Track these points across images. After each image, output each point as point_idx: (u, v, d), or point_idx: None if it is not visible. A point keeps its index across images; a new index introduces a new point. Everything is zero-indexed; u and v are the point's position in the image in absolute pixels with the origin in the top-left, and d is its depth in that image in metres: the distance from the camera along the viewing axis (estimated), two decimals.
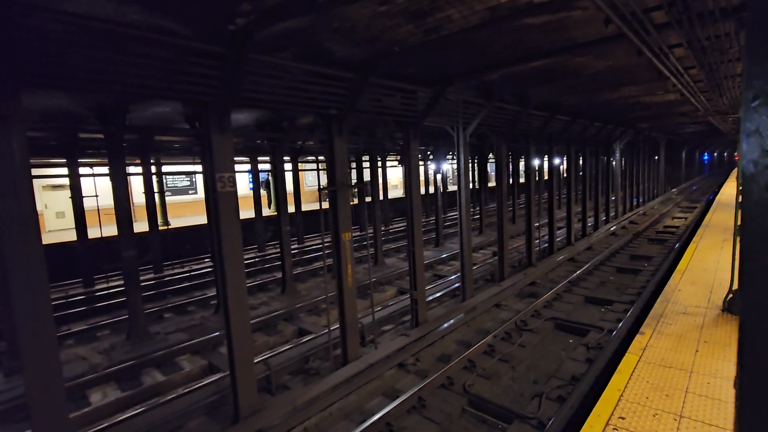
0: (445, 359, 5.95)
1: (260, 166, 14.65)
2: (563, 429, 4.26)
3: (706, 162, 54.60)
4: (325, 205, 5.75)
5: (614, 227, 15.47)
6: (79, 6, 3.01)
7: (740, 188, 4.73)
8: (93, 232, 10.69)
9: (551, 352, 6.19)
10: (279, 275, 10.47)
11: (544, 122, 10.17)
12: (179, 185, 20.30)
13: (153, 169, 12.60)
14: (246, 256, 12.74)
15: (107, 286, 10.41)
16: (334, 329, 5.85)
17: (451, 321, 7.03)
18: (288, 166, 14.52)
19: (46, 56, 3.08)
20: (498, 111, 8.24)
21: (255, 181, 14.50)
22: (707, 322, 4.63)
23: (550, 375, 5.46)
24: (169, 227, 14.71)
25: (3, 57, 2.88)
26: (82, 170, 10.24)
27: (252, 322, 6.42)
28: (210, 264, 12.74)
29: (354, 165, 14.43)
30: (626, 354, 3.99)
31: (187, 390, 5.52)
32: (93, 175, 10.03)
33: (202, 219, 15.51)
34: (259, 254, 14.12)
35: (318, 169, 6.93)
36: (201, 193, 20.12)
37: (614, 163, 17.25)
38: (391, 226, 18.43)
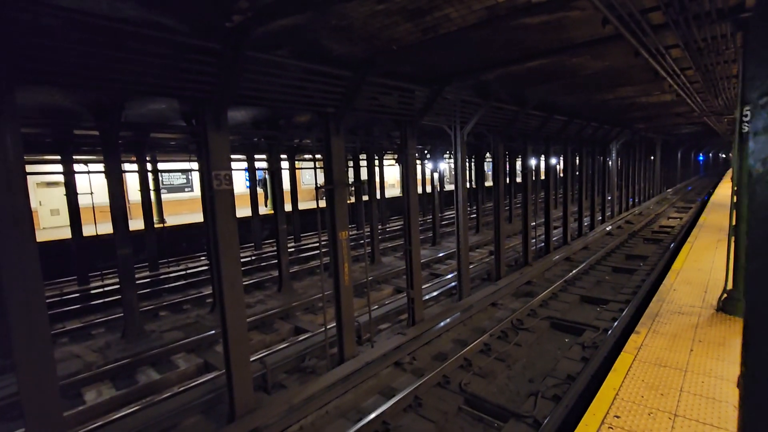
0: (442, 358, 5.96)
1: (257, 165, 14.59)
2: (559, 427, 4.28)
3: (701, 162, 54.94)
4: (322, 203, 5.74)
5: (610, 227, 15.54)
6: (75, 1, 2.98)
7: (735, 189, 4.76)
8: (88, 230, 10.62)
9: (547, 351, 6.21)
10: (275, 273, 10.46)
11: (541, 122, 10.19)
12: (175, 183, 20.21)
13: (149, 166, 12.52)
14: (242, 255, 12.70)
15: (102, 284, 10.35)
16: (331, 328, 5.84)
17: (448, 320, 7.04)
18: (285, 165, 14.49)
19: (41, 52, 3.05)
20: (495, 110, 8.25)
21: (252, 179, 14.45)
22: (702, 321, 4.66)
23: (546, 374, 5.48)
24: (165, 225, 14.64)
25: None
26: (77, 167, 10.17)
27: (248, 320, 6.40)
28: (206, 262, 12.69)
29: (351, 163, 14.41)
30: (621, 353, 4.01)
31: (182, 388, 5.50)
32: (88, 172, 9.96)
33: (198, 217, 15.45)
34: (255, 252, 14.08)
35: (315, 168, 6.92)
36: (197, 190, 20.03)
37: (610, 163, 17.33)
38: (387, 225, 18.43)
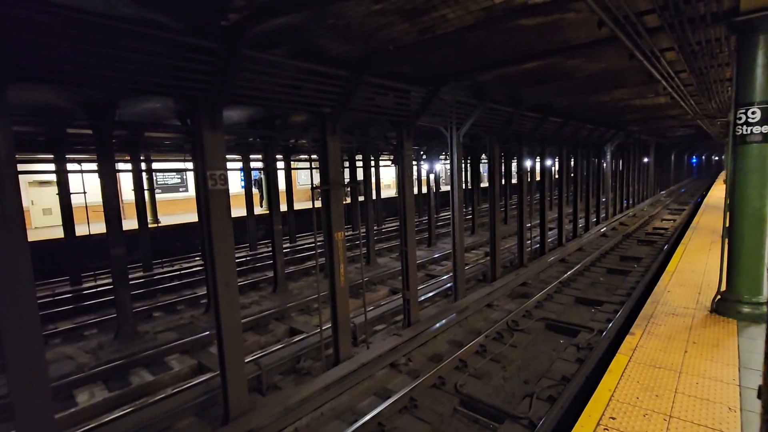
0: (437, 359, 5.95)
1: (252, 164, 14.53)
2: (554, 429, 4.28)
3: (694, 165, 55.45)
4: (318, 204, 5.72)
5: (605, 228, 15.63)
6: None
7: (728, 191, 4.79)
8: (81, 230, 10.51)
9: (542, 352, 6.23)
10: (270, 274, 10.41)
11: (536, 124, 10.23)
12: (170, 182, 20.08)
13: (143, 165, 12.43)
14: (237, 255, 12.62)
15: (95, 284, 10.25)
16: (326, 329, 5.81)
17: (443, 321, 7.03)
18: (281, 165, 14.46)
19: (33, 49, 3.01)
20: (491, 112, 8.27)
21: (247, 179, 14.39)
22: (696, 323, 4.69)
23: (541, 375, 5.49)
24: (159, 225, 14.53)
25: None
26: (70, 166, 10.07)
27: (243, 321, 6.37)
28: (200, 262, 12.61)
29: (347, 164, 14.39)
30: (617, 354, 4.02)
31: (176, 390, 5.46)
32: (81, 171, 9.86)
33: (192, 217, 15.36)
34: (250, 253, 14.01)
35: (311, 168, 6.86)
36: (192, 190, 19.92)
37: (605, 165, 17.44)
38: (383, 226, 18.42)
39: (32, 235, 12.75)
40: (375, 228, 15.76)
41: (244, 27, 3.57)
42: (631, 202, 21.84)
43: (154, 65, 3.59)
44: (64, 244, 10.45)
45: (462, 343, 6.35)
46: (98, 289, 9.97)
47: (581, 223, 15.10)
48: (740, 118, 4.45)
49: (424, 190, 21.29)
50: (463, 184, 18.52)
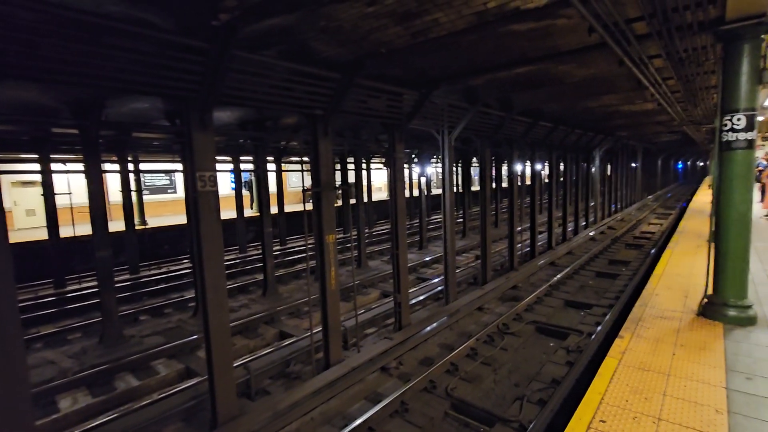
0: (428, 362, 5.93)
1: (243, 166, 14.41)
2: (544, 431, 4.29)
3: (680, 170, 56.50)
4: (309, 206, 5.68)
5: (593, 232, 15.81)
6: None
7: (714, 196, 4.88)
8: (65, 231, 10.30)
9: (532, 355, 6.25)
10: (260, 277, 10.31)
11: (527, 128, 10.32)
12: (158, 184, 19.82)
13: (130, 166, 12.24)
14: (226, 258, 12.50)
15: (79, 287, 10.04)
16: (317, 332, 5.76)
17: (434, 324, 7.02)
18: (271, 167, 14.35)
19: (16, 45, 2.93)
20: (483, 115, 8.32)
21: (237, 181, 14.27)
22: (683, 326, 4.75)
23: (531, 378, 5.51)
24: (147, 227, 14.31)
25: None
26: (54, 166, 9.87)
27: (232, 324, 6.27)
28: (189, 265, 12.44)
29: (338, 166, 14.35)
30: (606, 358, 4.05)
31: (162, 395, 5.35)
32: (66, 171, 9.67)
33: (181, 219, 15.16)
34: (240, 255, 13.87)
35: (302, 170, 6.83)
36: (180, 192, 19.69)
37: (594, 169, 17.66)
38: (374, 229, 18.39)
39: (15, 237, 12.47)
40: (366, 231, 15.73)
41: (235, 27, 3.53)
42: (619, 206, 22.14)
43: (143, 64, 3.53)
44: (47, 246, 10.22)
45: (453, 347, 6.35)
46: (83, 292, 9.77)
47: (570, 226, 15.26)
48: (726, 125, 4.53)
49: (416, 193, 21.34)
50: (454, 188, 18.61)
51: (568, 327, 7.06)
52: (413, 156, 17.97)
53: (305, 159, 12.75)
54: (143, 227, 14.01)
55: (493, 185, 17.75)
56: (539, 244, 12.59)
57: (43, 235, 10.74)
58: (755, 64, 4.37)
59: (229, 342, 4.50)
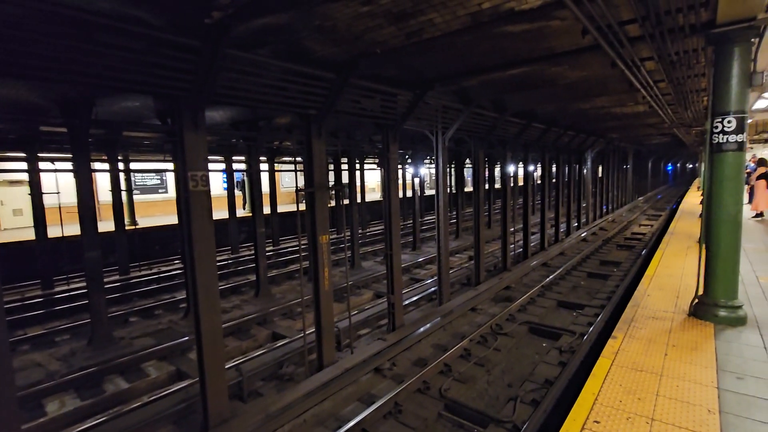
0: (422, 363, 5.92)
1: (235, 166, 14.30)
2: None
3: (670, 172, 57.22)
4: (302, 206, 5.63)
5: (585, 233, 15.93)
6: None
7: (704, 197, 4.92)
8: (54, 231, 10.12)
9: (525, 356, 6.27)
10: (253, 278, 10.22)
11: (520, 129, 10.37)
12: (148, 183, 19.60)
13: (121, 165, 12.08)
14: (218, 258, 12.39)
15: (68, 288, 9.88)
16: (310, 333, 5.72)
17: (428, 325, 7.01)
18: (264, 167, 14.25)
19: (3, 42, 2.87)
20: (476, 117, 8.33)
21: (229, 180, 14.15)
22: (675, 326, 4.79)
23: (525, 378, 5.52)
24: (137, 227, 14.13)
25: None
26: (43, 165, 9.70)
27: (224, 326, 6.21)
28: (180, 265, 12.31)
29: (332, 167, 14.30)
30: (600, 358, 4.06)
31: (152, 398, 5.27)
32: (55, 170, 9.51)
33: (172, 219, 14.99)
34: (232, 256, 13.76)
35: (296, 170, 6.78)
36: (172, 191, 19.49)
37: (585, 171, 17.81)
38: (368, 229, 18.35)
39: (1, 237, 12.25)
40: (359, 231, 15.68)
41: (228, 25, 3.49)
42: (610, 207, 22.35)
43: (133, 62, 3.48)
44: (35, 247, 10.04)
45: (446, 347, 6.34)
46: (71, 293, 9.61)
47: (563, 227, 15.36)
48: (717, 127, 4.58)
49: (409, 193, 21.34)
50: (448, 189, 18.63)
51: (560, 327, 7.10)
52: (407, 157, 17.98)
53: (298, 159, 12.70)
54: (133, 227, 13.83)
55: (486, 186, 17.82)
56: (532, 245, 12.66)
57: (30, 235, 10.55)
58: (745, 67, 4.42)
59: (221, 343, 4.45)
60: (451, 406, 4.90)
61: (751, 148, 19.05)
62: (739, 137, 4.48)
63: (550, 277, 9.97)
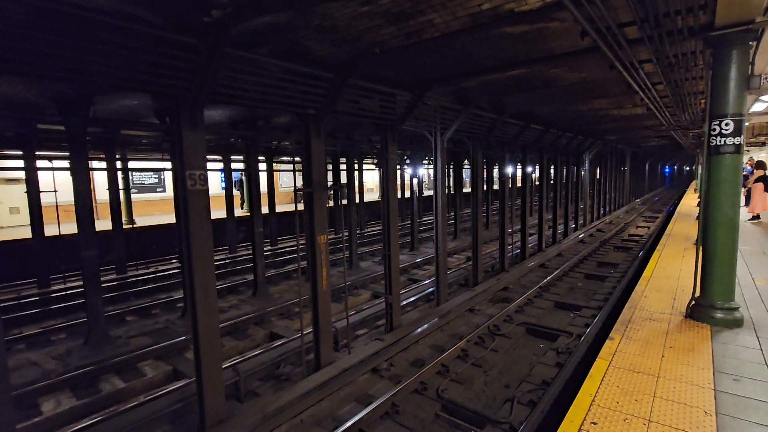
0: (419, 364, 5.92)
1: (234, 165, 14.25)
2: None
3: (667, 174, 57.44)
4: (301, 206, 5.62)
5: (582, 235, 15.96)
6: None
7: (701, 200, 4.94)
8: (50, 230, 10.08)
9: (523, 357, 6.27)
10: (250, 277, 10.20)
11: (518, 131, 10.38)
12: (146, 182, 19.54)
13: (118, 164, 12.03)
14: (216, 258, 12.35)
15: (64, 287, 9.83)
16: (307, 333, 5.71)
17: (426, 325, 7.01)
18: (263, 166, 14.22)
19: (1, 39, 2.85)
20: (475, 117, 8.34)
21: (228, 180, 14.12)
22: (672, 327, 4.80)
23: (522, 379, 5.52)
24: (135, 226, 14.08)
25: None
26: (40, 163, 9.65)
27: (221, 325, 6.19)
28: (177, 265, 12.27)
29: (330, 167, 14.27)
30: (597, 359, 4.07)
31: (149, 397, 5.26)
32: (52, 168, 9.46)
33: (170, 218, 14.95)
34: (230, 255, 13.73)
35: (294, 170, 6.77)
36: (169, 190, 19.42)
37: (583, 172, 17.85)
38: (366, 230, 18.34)
39: None
40: (358, 231, 15.67)
41: (227, 24, 3.48)
42: (607, 209, 22.41)
43: (131, 60, 3.47)
44: (31, 245, 9.99)
45: (444, 348, 6.34)
46: (68, 292, 9.57)
47: (560, 229, 15.39)
48: (714, 130, 4.60)
49: (407, 194, 21.34)
50: (446, 189, 18.64)
51: (558, 328, 7.11)
52: (405, 157, 17.98)
53: (297, 159, 12.68)
54: (131, 226, 13.78)
55: (485, 187, 17.84)
56: (530, 246, 12.67)
57: (27, 233, 10.50)
58: (743, 70, 4.44)
59: (218, 343, 4.43)
60: (448, 406, 4.90)
61: (748, 150, 19.12)
62: (737, 140, 4.50)
63: (548, 278, 9.99)
